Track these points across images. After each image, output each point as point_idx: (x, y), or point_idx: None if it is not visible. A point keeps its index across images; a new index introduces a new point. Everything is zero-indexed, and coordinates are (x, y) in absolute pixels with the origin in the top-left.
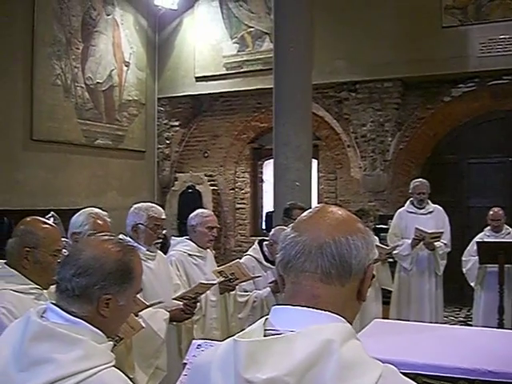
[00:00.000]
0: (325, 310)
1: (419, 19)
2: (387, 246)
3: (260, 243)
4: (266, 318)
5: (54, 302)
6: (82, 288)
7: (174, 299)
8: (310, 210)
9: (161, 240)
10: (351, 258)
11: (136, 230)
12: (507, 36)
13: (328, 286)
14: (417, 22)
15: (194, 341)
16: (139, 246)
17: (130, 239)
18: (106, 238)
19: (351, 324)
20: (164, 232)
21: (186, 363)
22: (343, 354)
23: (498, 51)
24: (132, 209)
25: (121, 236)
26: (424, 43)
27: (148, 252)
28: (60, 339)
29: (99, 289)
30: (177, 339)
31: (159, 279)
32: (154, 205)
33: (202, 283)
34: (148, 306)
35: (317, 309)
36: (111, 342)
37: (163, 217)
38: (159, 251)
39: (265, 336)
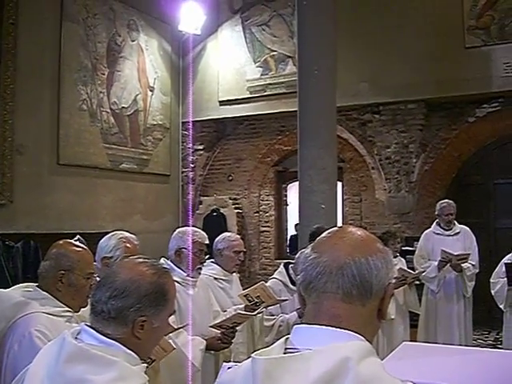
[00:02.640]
0: (346, 329)
1: (442, 40)
2: (414, 268)
3: (286, 266)
4: (287, 337)
5: (88, 323)
6: (117, 310)
7: (211, 327)
8: (329, 231)
9: (203, 265)
10: (372, 278)
11: (179, 254)
12: None
13: (349, 305)
14: (440, 43)
15: (224, 363)
16: (181, 272)
17: (171, 263)
18: (141, 260)
19: (371, 343)
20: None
21: None
22: (360, 371)
23: None
24: (175, 233)
25: (162, 260)
26: (447, 64)
27: (189, 278)
28: (94, 361)
29: (135, 311)
30: (214, 368)
31: (198, 305)
32: (197, 229)
33: (240, 313)
34: (175, 329)
35: (337, 328)
36: (145, 364)
37: (206, 242)
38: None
39: (284, 354)
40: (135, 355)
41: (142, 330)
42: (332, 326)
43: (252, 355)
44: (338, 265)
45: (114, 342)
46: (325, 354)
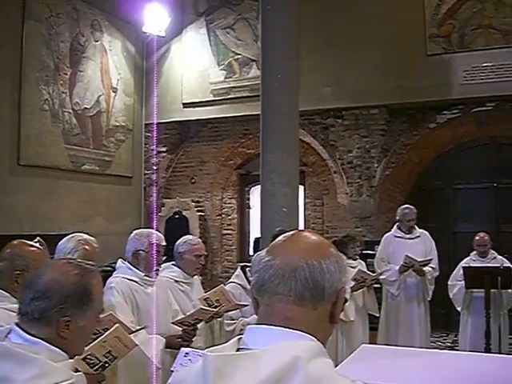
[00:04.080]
0: (297, 330)
1: (404, 47)
2: (374, 271)
3: (243, 269)
4: (240, 337)
5: (17, 322)
6: (40, 311)
7: (172, 323)
8: (284, 235)
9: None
10: (324, 282)
11: (136, 256)
12: (490, 64)
13: (301, 308)
14: (402, 50)
15: (182, 349)
16: (138, 272)
17: (129, 264)
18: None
19: (324, 345)
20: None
21: (173, 371)
22: (310, 370)
23: (482, 78)
24: (132, 235)
25: (119, 261)
26: (409, 71)
27: (146, 277)
28: (16, 358)
29: (58, 311)
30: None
31: (157, 304)
32: (154, 231)
33: (202, 308)
34: (132, 332)
35: (289, 328)
36: (71, 360)
37: (164, 243)
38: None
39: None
40: (61, 352)
41: (68, 330)
42: (284, 327)
43: (204, 351)
44: (291, 268)
45: (38, 340)
46: (275, 352)
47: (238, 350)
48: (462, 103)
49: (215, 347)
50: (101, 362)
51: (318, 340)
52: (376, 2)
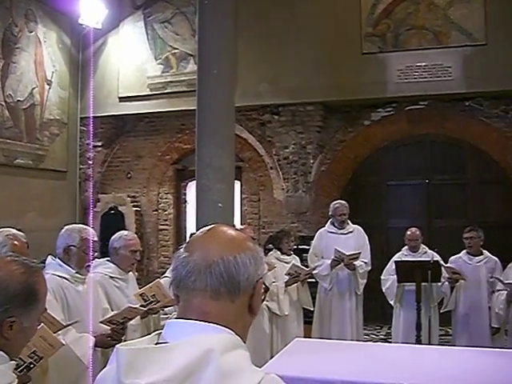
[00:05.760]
0: (214, 323)
1: (340, 45)
2: (308, 266)
3: None
4: (160, 332)
5: None
6: None
7: (101, 322)
8: (201, 230)
9: (92, 262)
10: (239, 275)
11: (68, 252)
12: (423, 63)
13: (217, 302)
14: (338, 48)
15: (117, 346)
16: (69, 269)
17: (60, 261)
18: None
19: (243, 337)
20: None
21: None
22: (222, 363)
23: (415, 77)
24: (63, 230)
25: (49, 258)
26: (345, 69)
27: (77, 275)
28: None
29: (3, 312)
30: (104, 366)
31: (87, 302)
32: (86, 227)
33: (130, 307)
34: (65, 326)
35: (206, 322)
36: (13, 362)
37: (96, 239)
38: (90, 274)
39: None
40: (3, 353)
41: (11, 331)
42: (201, 321)
43: (117, 346)
44: (207, 263)
45: None
46: (189, 345)
47: (156, 343)
48: (396, 101)
49: (130, 341)
50: (25, 362)
51: (237, 332)
52: (314, 1)
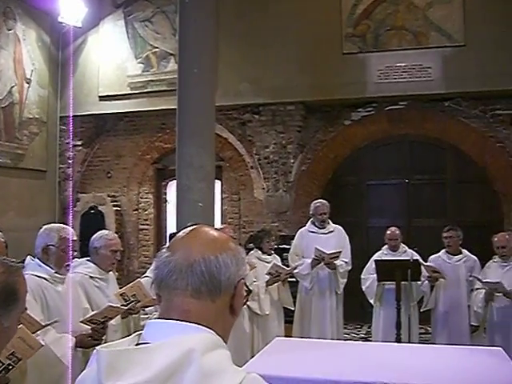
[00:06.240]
0: (195, 323)
1: (321, 45)
2: (289, 265)
3: None
4: (140, 333)
5: None
6: None
7: (81, 322)
8: (183, 231)
9: (72, 262)
10: (220, 275)
11: (46, 251)
12: (403, 64)
13: (198, 301)
14: (319, 48)
15: (95, 350)
16: (48, 269)
17: (39, 261)
18: None
19: (224, 337)
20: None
21: None
22: (204, 363)
23: (395, 78)
24: (42, 230)
25: (28, 258)
26: (325, 68)
27: (57, 275)
28: None
29: None
30: (85, 366)
31: (67, 302)
32: (65, 226)
33: (111, 306)
34: (43, 326)
35: (187, 322)
36: None
37: (75, 238)
38: (69, 274)
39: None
40: None
41: None
42: (181, 321)
43: (97, 348)
44: (189, 263)
45: None
46: (170, 345)
47: (137, 344)
48: (376, 101)
49: (110, 343)
50: (4, 364)
51: (218, 333)
52: (294, 1)
